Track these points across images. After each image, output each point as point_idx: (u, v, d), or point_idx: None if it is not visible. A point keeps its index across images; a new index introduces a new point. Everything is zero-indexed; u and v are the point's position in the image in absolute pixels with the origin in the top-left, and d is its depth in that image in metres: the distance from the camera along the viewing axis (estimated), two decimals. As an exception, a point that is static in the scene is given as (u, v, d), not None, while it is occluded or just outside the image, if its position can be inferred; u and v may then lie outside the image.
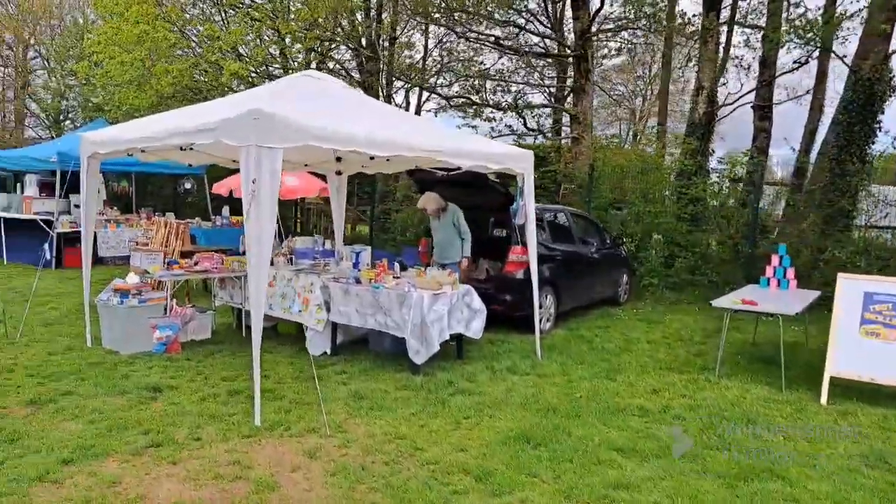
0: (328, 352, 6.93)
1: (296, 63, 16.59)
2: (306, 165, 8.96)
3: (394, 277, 6.75)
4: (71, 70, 18.09)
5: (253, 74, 15.47)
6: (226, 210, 15.18)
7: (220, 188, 10.68)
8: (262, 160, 4.77)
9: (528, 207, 7.14)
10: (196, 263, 7.50)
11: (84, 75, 16.72)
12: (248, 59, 15.60)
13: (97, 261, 13.41)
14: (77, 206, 15.71)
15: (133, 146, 6.26)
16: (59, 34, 24.39)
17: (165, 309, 6.92)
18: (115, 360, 6.49)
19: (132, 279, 6.92)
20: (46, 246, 6.86)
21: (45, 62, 24.61)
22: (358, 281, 6.69)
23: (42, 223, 13.02)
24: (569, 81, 19.00)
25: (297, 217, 18.46)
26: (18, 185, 14.64)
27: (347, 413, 5.20)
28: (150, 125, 6.15)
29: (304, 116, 5.25)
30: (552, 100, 21.41)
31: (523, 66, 20.92)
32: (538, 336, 7.35)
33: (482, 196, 8.53)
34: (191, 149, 6.20)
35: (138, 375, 6.01)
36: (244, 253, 9.99)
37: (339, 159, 8.56)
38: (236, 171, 10.87)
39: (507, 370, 6.59)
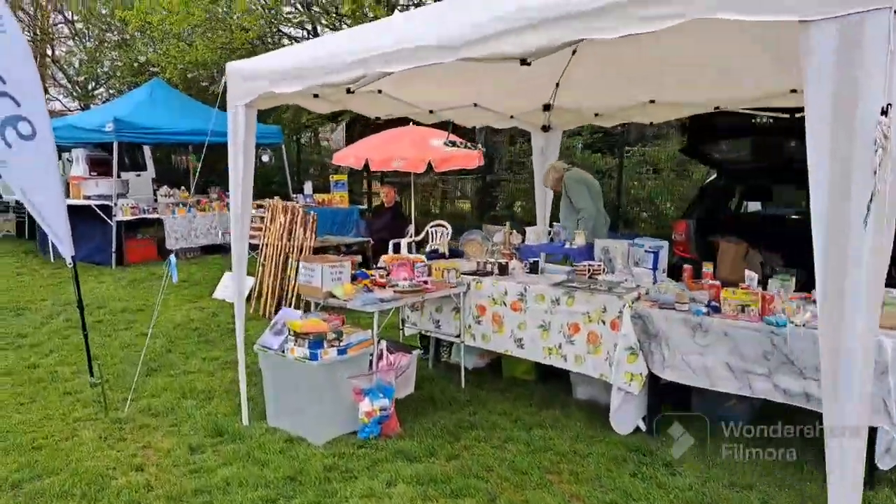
0: (642, 427, 4.15)
1: None
2: (512, 117, 6.06)
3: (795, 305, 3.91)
4: (119, 20, 15.09)
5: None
6: (308, 187, 12.42)
7: (345, 158, 7.90)
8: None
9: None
10: (388, 273, 4.72)
11: (137, 25, 13.79)
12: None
13: (162, 254, 10.73)
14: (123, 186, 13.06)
15: (335, 77, 3.40)
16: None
17: (371, 362, 4.16)
18: (306, 455, 3.76)
19: (313, 317, 4.16)
20: (173, 259, 3.97)
21: (71, 26, 21.60)
22: (715, 309, 3.87)
23: (97, 209, 10.29)
24: None
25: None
26: (60, 162, 11.86)
27: None
28: (382, 36, 3.25)
29: None
30: None
31: None
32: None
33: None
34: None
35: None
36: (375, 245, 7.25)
37: (546, 106, 5.69)
38: (377, 128, 8.11)
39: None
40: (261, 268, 7.39)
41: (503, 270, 4.82)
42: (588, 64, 4.57)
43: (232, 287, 8.01)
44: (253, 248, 8.35)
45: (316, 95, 4.37)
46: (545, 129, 6.23)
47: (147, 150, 14.45)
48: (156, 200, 12.34)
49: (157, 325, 6.82)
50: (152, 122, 10.54)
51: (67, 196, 10.66)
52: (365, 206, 13.57)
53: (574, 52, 4.44)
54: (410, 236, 8.79)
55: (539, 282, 4.62)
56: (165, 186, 11.49)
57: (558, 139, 6.47)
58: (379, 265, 4.96)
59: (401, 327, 5.36)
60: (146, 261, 10.60)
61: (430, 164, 7.50)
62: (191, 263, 10.52)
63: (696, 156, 6.29)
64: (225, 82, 4.08)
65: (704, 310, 3.85)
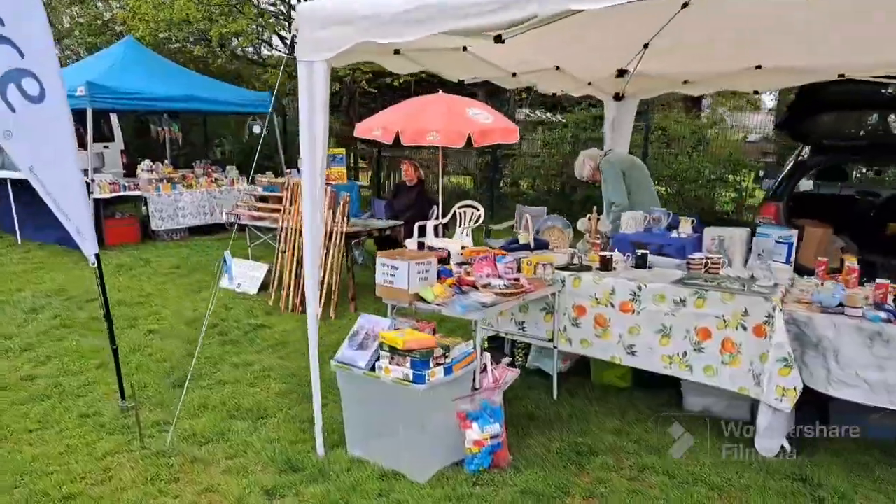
0: (787, 447, 3.56)
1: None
2: (590, 84, 5.32)
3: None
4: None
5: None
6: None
7: (368, 129, 7.00)
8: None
9: None
10: (471, 267, 3.99)
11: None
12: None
13: (145, 236, 9.72)
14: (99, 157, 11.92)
15: (482, 20, 2.61)
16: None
17: (474, 379, 3.45)
18: (414, 499, 3.05)
19: (405, 326, 3.42)
20: (228, 259, 3.11)
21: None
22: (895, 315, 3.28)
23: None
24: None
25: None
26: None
27: None
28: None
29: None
30: None
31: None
32: None
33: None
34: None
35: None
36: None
37: (621, 72, 5.01)
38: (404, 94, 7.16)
39: None
40: (280, 256, 6.54)
41: (606, 265, 4.14)
42: (692, 21, 3.86)
43: (245, 276, 7.22)
44: (266, 230, 7.49)
45: (397, 52, 3.56)
46: (617, 97, 5.52)
47: (114, 119, 13.15)
48: (126, 175, 11.21)
49: (166, 321, 5.96)
50: (130, 86, 9.41)
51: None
52: (362, 183, 12.69)
53: (685, 4, 3.73)
54: (435, 217, 8.03)
55: (653, 279, 3.96)
56: (147, 160, 10.38)
57: (632, 110, 5.78)
58: (458, 260, 4.20)
59: (473, 328, 4.64)
60: (127, 243, 9.56)
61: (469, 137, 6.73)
62: (180, 246, 9.54)
63: (793, 130, 5.70)
64: (295, 31, 3.23)
65: (883, 315, 3.25)
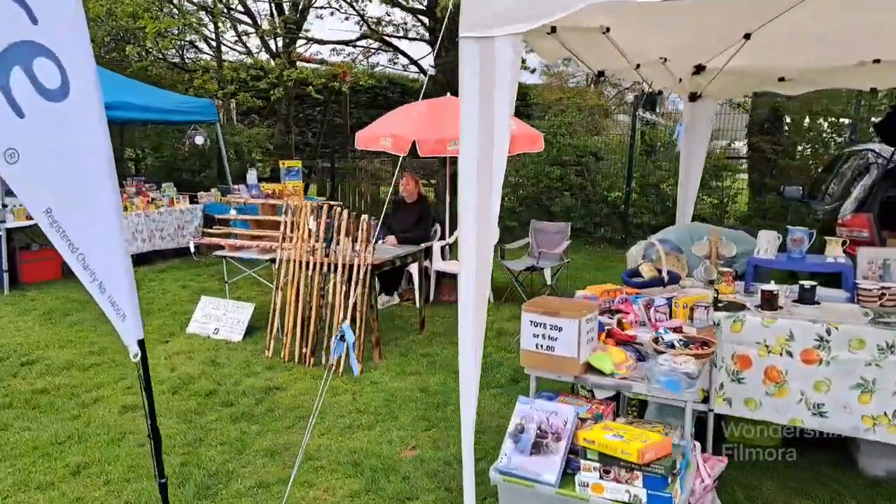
0: None
1: None
2: (680, 81, 4.46)
3: None
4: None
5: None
6: (252, 176, 10.12)
7: (374, 139, 5.83)
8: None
9: None
10: (622, 316, 3.04)
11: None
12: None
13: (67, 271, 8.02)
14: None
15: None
16: None
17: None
18: None
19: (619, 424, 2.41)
20: (347, 331, 2.01)
21: None
22: None
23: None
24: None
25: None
26: None
27: None
28: None
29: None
30: None
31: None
32: None
33: None
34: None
35: None
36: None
37: (698, 69, 4.24)
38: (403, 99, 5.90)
39: None
40: (278, 293, 5.30)
41: (771, 303, 3.30)
42: (805, 6, 3.08)
43: (225, 319, 5.88)
44: (250, 262, 6.16)
45: (553, 30, 2.56)
46: (693, 98, 4.75)
47: None
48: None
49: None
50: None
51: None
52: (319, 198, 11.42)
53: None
54: (437, 236, 7.00)
55: (840, 319, 3.15)
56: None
57: (710, 113, 5.01)
58: (602, 302, 3.22)
59: (585, 388, 3.68)
60: (48, 281, 7.87)
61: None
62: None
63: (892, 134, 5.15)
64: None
65: None
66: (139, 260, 8.68)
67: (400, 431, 3.93)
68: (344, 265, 5.02)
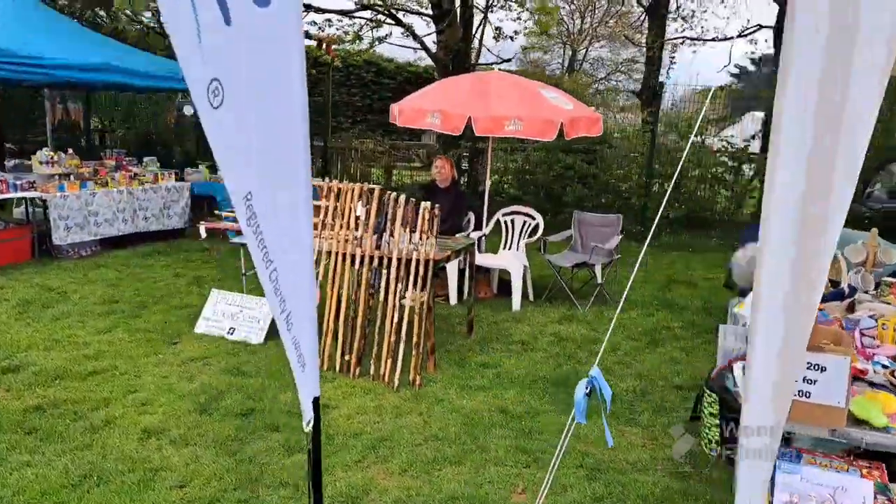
0: None
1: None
2: None
3: None
4: None
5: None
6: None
7: (421, 116, 5.02)
8: None
9: None
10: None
11: None
12: None
13: (43, 252, 7.01)
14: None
15: None
16: None
17: None
18: None
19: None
20: (598, 373, 1.26)
21: None
22: None
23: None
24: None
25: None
26: None
27: None
28: None
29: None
30: None
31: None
32: None
33: None
34: None
35: None
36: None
37: None
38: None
39: None
40: (317, 291, 4.51)
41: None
42: None
43: (242, 318, 5.06)
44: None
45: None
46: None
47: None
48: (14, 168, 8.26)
49: (157, 405, 3.76)
50: (30, 49, 6.69)
51: None
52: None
53: None
54: (470, 225, 6.29)
55: None
56: (45, 149, 7.57)
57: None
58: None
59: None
60: (16, 263, 6.84)
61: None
62: (97, 266, 6.96)
63: None
64: None
65: None
66: (119, 242, 7.70)
67: (497, 467, 3.24)
68: (399, 259, 4.27)
